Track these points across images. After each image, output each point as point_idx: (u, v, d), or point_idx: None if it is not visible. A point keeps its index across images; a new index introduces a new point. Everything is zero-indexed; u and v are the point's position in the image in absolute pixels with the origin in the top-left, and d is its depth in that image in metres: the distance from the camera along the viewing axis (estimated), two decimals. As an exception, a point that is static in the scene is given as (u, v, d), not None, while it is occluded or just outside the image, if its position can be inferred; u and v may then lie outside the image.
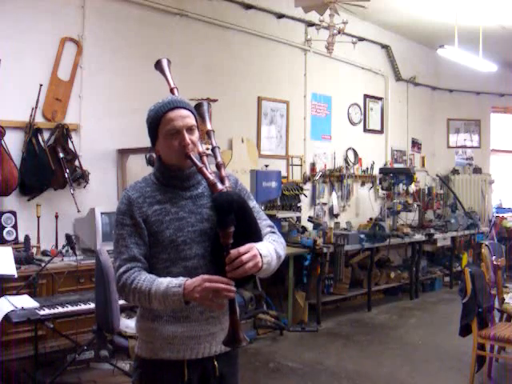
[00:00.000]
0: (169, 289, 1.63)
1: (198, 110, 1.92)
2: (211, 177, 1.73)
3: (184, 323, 1.76)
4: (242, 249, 1.61)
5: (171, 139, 1.75)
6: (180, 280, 1.65)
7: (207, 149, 1.97)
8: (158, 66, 2.01)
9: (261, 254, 1.65)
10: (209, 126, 1.91)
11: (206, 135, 1.89)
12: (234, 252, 1.60)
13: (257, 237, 1.73)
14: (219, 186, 1.71)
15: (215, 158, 1.84)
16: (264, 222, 1.86)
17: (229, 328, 1.65)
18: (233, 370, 1.91)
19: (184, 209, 1.78)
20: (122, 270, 1.74)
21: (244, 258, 1.60)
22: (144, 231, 1.76)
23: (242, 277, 1.62)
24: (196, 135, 1.79)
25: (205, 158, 1.79)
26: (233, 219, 1.62)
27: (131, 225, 1.77)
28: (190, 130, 1.77)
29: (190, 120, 1.77)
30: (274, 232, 1.86)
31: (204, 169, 1.74)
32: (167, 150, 1.79)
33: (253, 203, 1.87)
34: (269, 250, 1.71)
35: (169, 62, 2.02)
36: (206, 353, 1.79)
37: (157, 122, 1.77)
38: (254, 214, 1.78)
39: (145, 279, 1.69)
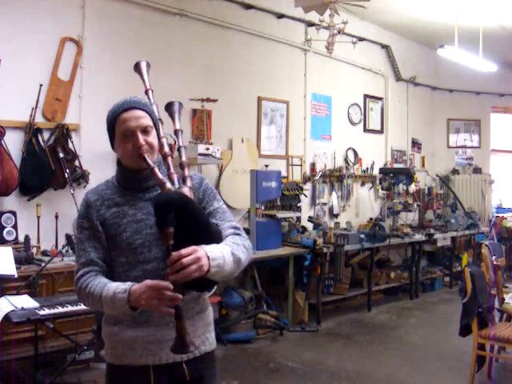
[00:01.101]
0: (115, 294, 1.61)
1: (168, 110, 1.91)
2: (161, 176, 1.68)
3: (144, 328, 1.72)
4: (184, 251, 1.53)
5: (125, 140, 1.74)
6: (126, 285, 1.62)
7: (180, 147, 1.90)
8: (137, 68, 2.02)
9: (208, 257, 1.56)
10: (177, 126, 1.88)
11: (174, 135, 1.87)
12: (174, 254, 1.52)
13: (209, 238, 1.64)
14: (168, 185, 1.66)
15: (180, 157, 1.80)
16: (227, 224, 1.78)
17: (176, 334, 1.58)
18: (209, 372, 1.83)
19: (142, 210, 1.75)
20: (78, 274, 1.75)
21: (185, 260, 1.51)
22: (102, 234, 1.74)
23: (186, 281, 1.53)
24: (153, 136, 1.75)
25: (169, 159, 1.76)
26: (171, 219, 1.54)
27: (89, 228, 1.77)
28: (144, 131, 1.74)
29: (145, 121, 1.74)
30: (238, 234, 1.78)
31: (155, 169, 1.69)
32: (123, 152, 1.76)
33: (218, 204, 1.83)
34: (222, 252, 1.62)
35: (148, 65, 2.02)
36: (170, 358, 1.71)
37: (112, 123, 1.77)
38: (203, 215, 1.70)
39: (97, 284, 1.68)
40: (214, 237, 1.68)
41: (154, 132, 1.77)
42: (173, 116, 1.92)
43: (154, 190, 1.78)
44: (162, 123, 1.86)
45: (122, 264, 1.74)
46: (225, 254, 1.63)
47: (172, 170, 1.75)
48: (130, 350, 1.73)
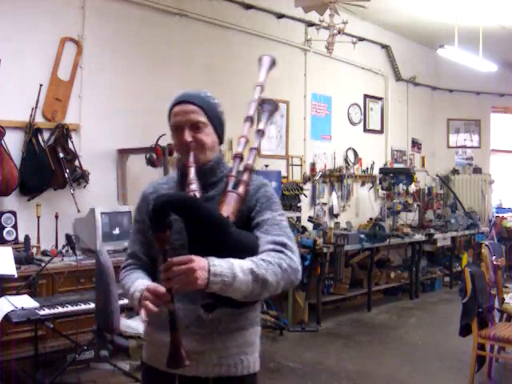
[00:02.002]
0: (134, 292, 1.57)
1: (261, 107, 1.83)
2: (191, 177, 1.58)
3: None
4: (177, 259, 1.38)
5: (175, 135, 1.67)
6: (144, 285, 1.54)
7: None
8: (260, 60, 1.95)
9: (209, 270, 1.39)
10: (260, 126, 1.77)
11: (255, 133, 1.78)
12: (169, 261, 1.39)
13: (230, 249, 1.48)
14: (192, 187, 1.56)
15: (248, 159, 1.71)
16: (269, 238, 1.56)
17: (170, 346, 1.46)
18: None
19: None
20: (123, 264, 1.76)
21: (175, 269, 1.37)
22: (149, 229, 1.61)
23: (177, 291, 1.42)
24: (205, 133, 1.65)
25: (236, 160, 1.68)
26: (167, 223, 1.42)
27: (139, 221, 1.74)
28: (194, 126, 1.63)
29: (196, 116, 1.63)
30: (279, 251, 1.54)
31: (191, 169, 1.59)
32: (174, 146, 1.71)
33: (270, 215, 1.61)
34: (233, 268, 1.42)
35: (273, 62, 1.93)
36: (192, 371, 1.58)
37: (168, 116, 1.70)
38: (219, 222, 1.49)
39: (131, 278, 1.65)
40: (238, 249, 1.50)
41: (208, 129, 1.65)
42: (262, 115, 1.83)
43: (211, 188, 1.66)
44: (252, 122, 1.78)
45: (160, 262, 1.56)
46: (237, 270, 1.42)
47: (233, 172, 1.65)
48: (159, 353, 1.61)
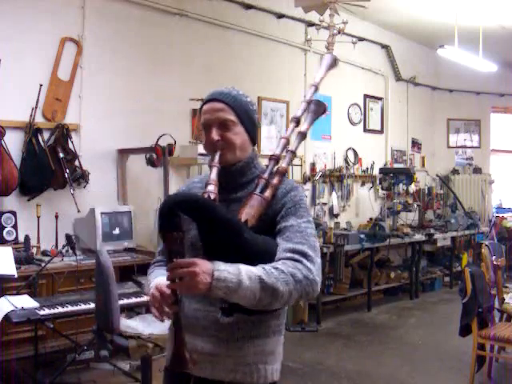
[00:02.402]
0: (150, 289, 1.55)
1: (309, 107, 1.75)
2: (212, 177, 1.55)
3: (188, 335, 1.53)
4: (181, 261, 1.37)
5: (204, 133, 1.63)
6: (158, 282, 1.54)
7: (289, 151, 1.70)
8: (322, 58, 1.87)
9: (213, 275, 1.36)
10: (302, 128, 1.71)
11: (296, 136, 1.72)
12: (174, 262, 1.38)
13: (241, 254, 1.43)
14: (209, 188, 1.53)
15: (283, 162, 1.66)
16: (289, 245, 1.49)
17: (173, 346, 1.47)
18: None
19: None
20: (152, 261, 1.80)
21: (177, 271, 1.36)
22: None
23: (181, 293, 1.44)
24: (234, 132, 1.59)
25: (271, 163, 1.63)
26: (176, 224, 1.39)
27: None
28: (223, 125, 1.59)
29: (224, 114, 1.58)
30: (296, 260, 1.46)
31: (213, 169, 1.56)
32: (204, 145, 1.66)
33: (294, 221, 1.53)
34: (240, 275, 1.37)
35: (334, 61, 1.86)
36: (207, 374, 1.56)
37: (199, 114, 1.68)
38: (233, 225, 1.44)
39: (155, 274, 1.66)
40: (251, 254, 1.45)
41: (237, 128, 1.60)
42: (307, 116, 1.75)
43: (235, 191, 1.61)
44: (298, 123, 1.73)
45: (167, 263, 1.54)
46: (244, 277, 1.37)
47: (266, 174, 1.60)
48: None
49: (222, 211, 1.46)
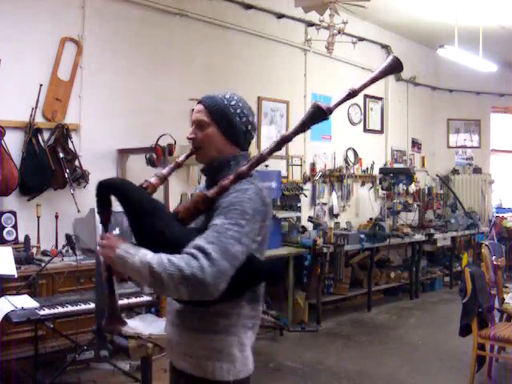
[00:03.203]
0: None
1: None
2: (164, 172, 1.71)
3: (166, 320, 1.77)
4: (105, 235, 1.61)
5: None
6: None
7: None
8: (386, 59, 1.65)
9: (115, 252, 1.51)
10: (284, 131, 1.65)
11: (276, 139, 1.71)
12: (102, 235, 1.62)
13: (147, 237, 1.54)
14: (152, 180, 1.68)
15: (245, 165, 1.64)
16: (196, 241, 1.48)
17: (108, 309, 1.64)
18: None
19: None
20: None
21: (100, 241, 1.59)
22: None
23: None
24: (206, 132, 1.68)
25: (238, 169, 1.61)
26: (101, 203, 1.62)
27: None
28: (198, 125, 1.70)
29: (200, 115, 1.69)
30: (194, 257, 1.44)
31: (170, 164, 1.75)
32: None
33: (220, 221, 1.51)
34: (134, 257, 1.48)
35: (392, 65, 1.63)
36: (168, 356, 1.76)
37: None
38: (148, 214, 1.54)
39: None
40: (158, 241, 1.52)
41: (210, 129, 1.68)
42: (301, 119, 1.65)
43: (211, 187, 1.64)
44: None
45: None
46: (137, 261, 1.47)
47: (230, 176, 1.59)
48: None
49: (135, 194, 1.58)
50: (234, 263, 1.46)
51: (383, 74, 1.63)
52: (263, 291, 1.72)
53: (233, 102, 1.71)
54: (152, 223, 1.53)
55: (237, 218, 1.51)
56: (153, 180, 1.67)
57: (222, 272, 1.43)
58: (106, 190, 1.60)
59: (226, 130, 1.69)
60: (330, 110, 1.67)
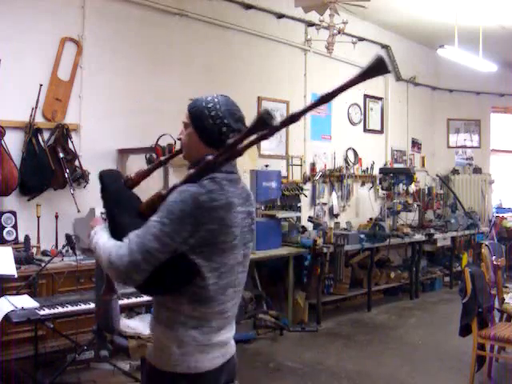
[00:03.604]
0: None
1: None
2: (150, 167, 1.91)
3: None
4: (96, 217, 1.91)
5: None
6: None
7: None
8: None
9: (91, 230, 1.80)
10: (230, 141, 1.56)
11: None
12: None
13: (111, 224, 1.78)
14: (130, 175, 1.88)
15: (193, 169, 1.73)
16: (130, 233, 1.63)
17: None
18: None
19: None
20: None
21: (90, 220, 1.88)
22: None
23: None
24: (186, 133, 1.77)
25: (202, 163, 1.65)
26: (101, 187, 1.84)
27: None
28: (184, 126, 1.80)
29: (184, 117, 1.79)
30: (121, 246, 1.64)
31: (154, 163, 1.93)
32: None
33: (152, 217, 1.63)
34: (98, 237, 1.74)
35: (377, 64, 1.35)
36: None
37: None
38: (112, 202, 1.82)
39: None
40: (117, 228, 1.73)
41: (189, 130, 1.76)
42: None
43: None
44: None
45: None
46: (99, 240, 1.72)
47: (188, 176, 1.67)
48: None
49: (111, 184, 1.84)
50: (147, 258, 1.58)
51: (363, 77, 1.42)
52: (231, 299, 1.74)
53: (210, 105, 1.73)
54: (111, 209, 1.79)
55: (162, 217, 1.61)
56: (132, 175, 1.87)
57: (133, 263, 1.58)
58: (100, 177, 1.86)
59: (200, 131, 1.74)
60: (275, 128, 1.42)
